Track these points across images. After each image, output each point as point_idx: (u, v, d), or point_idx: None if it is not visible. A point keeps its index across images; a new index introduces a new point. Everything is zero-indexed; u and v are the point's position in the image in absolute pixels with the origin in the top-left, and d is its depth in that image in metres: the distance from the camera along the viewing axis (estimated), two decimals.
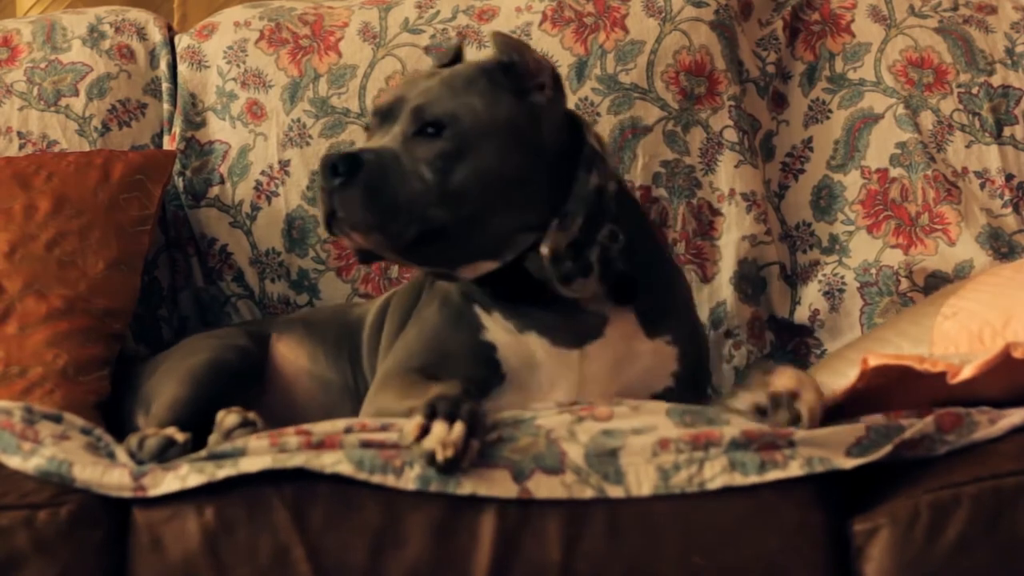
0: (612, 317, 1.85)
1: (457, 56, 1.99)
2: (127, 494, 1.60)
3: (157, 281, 2.44)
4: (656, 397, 1.81)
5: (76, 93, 2.50)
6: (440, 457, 1.53)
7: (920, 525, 1.54)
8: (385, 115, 1.85)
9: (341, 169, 1.74)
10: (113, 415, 2.07)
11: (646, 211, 2.02)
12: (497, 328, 1.86)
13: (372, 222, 1.75)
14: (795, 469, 1.54)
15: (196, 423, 1.79)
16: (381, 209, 1.74)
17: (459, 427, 1.55)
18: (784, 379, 1.65)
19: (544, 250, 1.80)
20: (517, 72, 1.83)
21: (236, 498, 1.59)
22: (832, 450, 1.56)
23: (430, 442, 1.55)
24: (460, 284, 1.90)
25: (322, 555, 1.57)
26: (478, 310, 1.88)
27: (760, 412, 1.64)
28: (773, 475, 1.54)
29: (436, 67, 1.98)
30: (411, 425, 1.57)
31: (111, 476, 1.61)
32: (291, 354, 2.14)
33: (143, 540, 1.61)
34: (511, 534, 1.56)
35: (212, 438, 1.71)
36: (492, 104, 1.81)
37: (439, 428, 1.55)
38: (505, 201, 1.79)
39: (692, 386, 1.88)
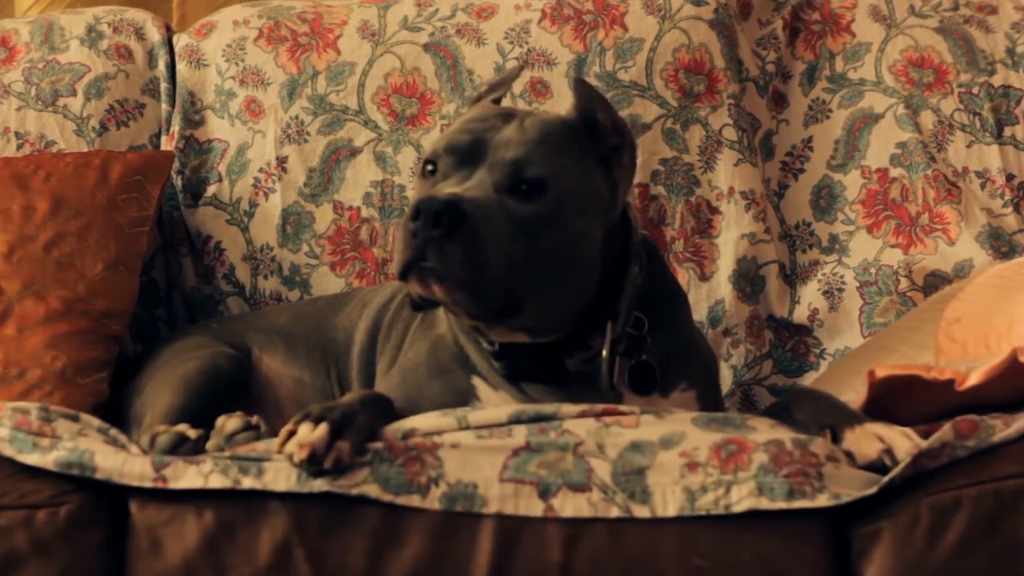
0: (627, 391, 1.81)
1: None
2: (148, 484, 1.60)
3: (154, 282, 2.43)
4: None
5: (74, 93, 2.49)
6: (296, 458, 1.55)
7: (920, 528, 1.54)
8: (465, 156, 1.74)
9: (445, 220, 1.62)
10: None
11: (657, 251, 1.97)
12: (498, 404, 1.80)
13: (466, 281, 1.64)
14: (822, 501, 1.54)
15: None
16: (478, 268, 1.64)
17: (321, 428, 1.56)
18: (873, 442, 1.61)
19: (604, 353, 1.76)
20: (598, 135, 1.76)
21: (235, 500, 1.59)
22: (858, 487, 1.56)
23: (290, 445, 1.56)
24: (453, 347, 1.85)
25: (322, 557, 1.57)
26: (477, 381, 1.82)
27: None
28: (800, 503, 1.54)
29: (491, 99, 1.91)
30: (283, 431, 1.58)
31: (132, 465, 1.61)
32: (276, 368, 2.12)
33: (142, 541, 1.61)
34: (511, 535, 1.56)
35: (211, 443, 1.70)
36: (585, 172, 1.74)
37: (303, 430, 1.57)
38: (577, 281, 1.74)
39: (714, 410, 1.85)
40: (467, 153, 1.74)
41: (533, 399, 1.79)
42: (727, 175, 2.44)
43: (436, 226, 1.63)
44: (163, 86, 2.54)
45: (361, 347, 2.06)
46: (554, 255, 1.69)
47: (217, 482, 1.59)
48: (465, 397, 1.81)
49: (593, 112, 1.77)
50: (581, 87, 1.78)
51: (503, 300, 1.67)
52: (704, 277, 2.41)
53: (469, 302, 1.67)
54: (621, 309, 1.78)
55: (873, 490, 1.54)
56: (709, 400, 1.88)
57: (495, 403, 1.80)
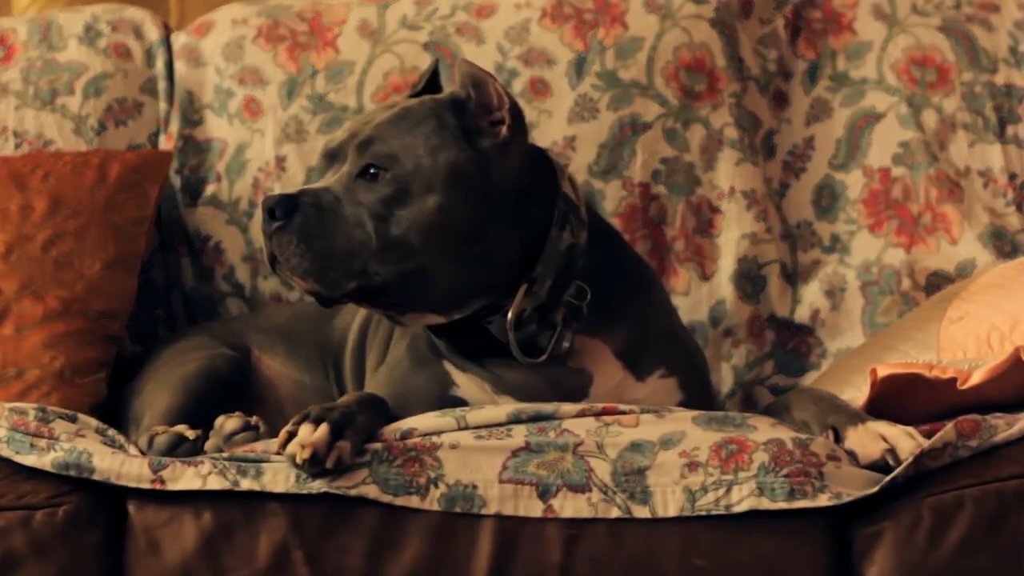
0: (597, 371, 1.80)
1: (433, 78, 1.93)
2: (145, 485, 1.60)
3: (153, 282, 2.43)
4: None
5: (72, 92, 2.48)
6: (298, 459, 1.55)
7: (922, 528, 1.54)
8: (334, 154, 1.80)
9: (278, 212, 1.71)
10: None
11: (615, 232, 1.97)
12: (471, 387, 1.81)
13: (307, 268, 1.71)
14: (823, 501, 1.54)
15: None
16: (317, 255, 1.70)
17: (322, 428, 1.56)
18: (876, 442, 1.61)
19: (509, 316, 1.75)
20: (469, 109, 1.77)
21: (234, 501, 1.59)
22: (860, 486, 1.56)
23: (292, 445, 1.56)
24: (426, 335, 1.85)
25: (321, 558, 1.57)
26: (448, 366, 1.83)
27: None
28: (801, 504, 1.54)
29: (407, 96, 1.92)
30: (283, 432, 1.59)
31: (130, 467, 1.62)
32: (276, 369, 2.12)
33: (140, 542, 1.61)
34: (510, 535, 1.56)
35: (210, 443, 1.70)
36: (435, 148, 1.74)
37: (304, 431, 1.57)
38: (451, 256, 1.73)
39: (704, 407, 1.83)
40: (336, 150, 1.79)
41: (500, 377, 1.79)
42: (728, 174, 2.43)
43: (273, 219, 1.71)
44: (161, 85, 2.53)
45: (353, 345, 2.06)
46: (408, 233, 1.71)
47: (215, 483, 1.59)
48: (444, 384, 1.82)
49: (467, 89, 1.78)
50: (463, 67, 1.80)
51: (357, 283, 1.71)
52: (705, 277, 2.41)
53: (321, 289, 1.72)
54: (538, 274, 1.76)
55: (874, 490, 1.54)
56: (694, 390, 1.87)
57: (467, 386, 1.81)
